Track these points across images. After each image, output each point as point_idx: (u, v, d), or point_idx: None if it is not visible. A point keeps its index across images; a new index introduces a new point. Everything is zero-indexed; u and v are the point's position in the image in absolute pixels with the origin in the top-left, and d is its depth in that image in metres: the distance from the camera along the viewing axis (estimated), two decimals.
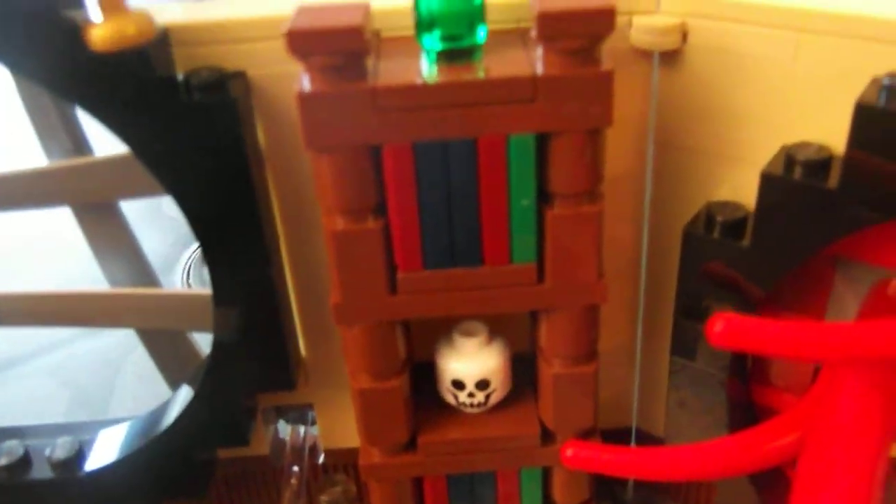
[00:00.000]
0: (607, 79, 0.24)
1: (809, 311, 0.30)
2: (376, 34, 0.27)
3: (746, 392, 0.32)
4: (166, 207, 0.77)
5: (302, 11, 0.24)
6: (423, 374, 0.31)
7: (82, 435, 0.35)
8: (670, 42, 0.27)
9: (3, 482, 0.34)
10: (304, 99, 0.24)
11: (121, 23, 0.25)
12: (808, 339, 0.23)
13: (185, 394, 0.33)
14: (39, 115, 0.43)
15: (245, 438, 0.34)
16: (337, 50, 0.23)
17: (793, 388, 0.31)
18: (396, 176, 0.25)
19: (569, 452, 0.30)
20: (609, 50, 0.24)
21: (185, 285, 0.72)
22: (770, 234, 0.26)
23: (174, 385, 0.48)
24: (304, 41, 0.23)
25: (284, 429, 0.38)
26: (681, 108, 0.29)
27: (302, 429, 0.38)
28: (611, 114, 0.24)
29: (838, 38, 0.25)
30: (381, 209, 0.26)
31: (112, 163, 0.39)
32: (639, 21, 0.27)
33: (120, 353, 0.65)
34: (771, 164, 0.26)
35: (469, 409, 0.31)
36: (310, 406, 0.36)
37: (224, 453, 0.35)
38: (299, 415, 0.37)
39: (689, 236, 0.28)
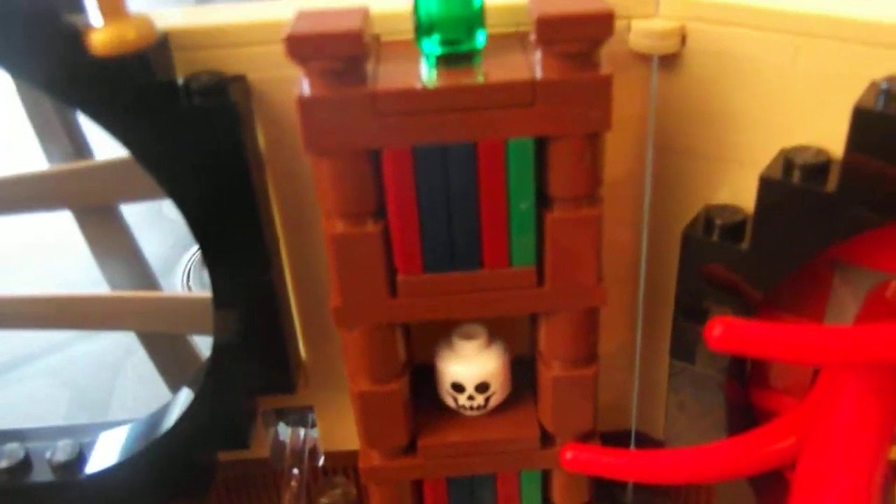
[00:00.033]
0: (606, 83, 0.24)
1: (808, 314, 0.30)
2: (376, 38, 0.27)
3: (745, 395, 0.32)
4: (167, 210, 0.77)
5: (301, 16, 0.24)
6: (423, 377, 0.31)
7: (83, 437, 0.35)
8: (669, 46, 0.27)
9: (3, 485, 0.34)
10: (303, 103, 0.24)
11: (121, 27, 0.25)
12: (807, 342, 0.23)
13: (185, 396, 0.33)
14: (40, 118, 0.43)
15: (245, 441, 0.34)
16: (336, 54, 0.23)
17: (792, 391, 0.31)
18: (396, 179, 0.25)
19: (568, 455, 0.30)
20: (608, 54, 0.24)
21: (186, 288, 0.72)
22: (769, 238, 0.27)
23: (174, 388, 0.48)
24: (304, 46, 0.23)
25: (284, 431, 0.38)
26: (680, 111, 0.29)
27: (302, 431, 0.38)
28: (610, 117, 0.24)
29: (837, 42, 0.25)
30: (380, 212, 0.26)
31: (112, 166, 0.39)
32: (638, 25, 0.27)
33: (120, 355, 0.65)
34: (770, 167, 0.26)
35: (469, 412, 0.31)
36: (310, 409, 0.36)
37: (224, 456, 0.35)
38: (299, 417, 0.37)
39: (688, 239, 0.28)
